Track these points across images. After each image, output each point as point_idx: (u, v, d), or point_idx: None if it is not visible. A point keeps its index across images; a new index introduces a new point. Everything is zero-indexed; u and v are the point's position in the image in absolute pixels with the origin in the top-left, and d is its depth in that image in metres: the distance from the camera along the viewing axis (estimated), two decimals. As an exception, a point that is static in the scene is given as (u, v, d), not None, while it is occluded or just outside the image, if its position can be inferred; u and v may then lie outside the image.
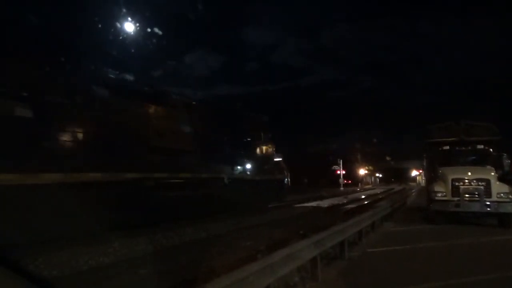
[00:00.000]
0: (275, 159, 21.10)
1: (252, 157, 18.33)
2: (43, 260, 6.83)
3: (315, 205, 22.64)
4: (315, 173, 57.31)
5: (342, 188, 53.17)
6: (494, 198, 10.97)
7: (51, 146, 8.77)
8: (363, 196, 32.52)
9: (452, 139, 13.66)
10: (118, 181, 9.99)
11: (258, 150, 19.33)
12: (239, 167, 17.27)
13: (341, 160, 59.35)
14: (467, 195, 11.25)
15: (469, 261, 7.06)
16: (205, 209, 13.06)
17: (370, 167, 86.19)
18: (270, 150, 20.48)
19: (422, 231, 10.81)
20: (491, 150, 13.07)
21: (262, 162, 19.20)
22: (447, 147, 13.67)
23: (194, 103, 15.05)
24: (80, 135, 9.65)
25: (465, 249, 8.19)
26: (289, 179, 23.01)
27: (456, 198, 11.31)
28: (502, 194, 11.00)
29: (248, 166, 18.02)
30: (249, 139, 18.64)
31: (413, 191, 37.74)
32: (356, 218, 8.99)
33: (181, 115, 13.64)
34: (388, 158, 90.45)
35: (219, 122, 15.82)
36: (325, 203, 23.75)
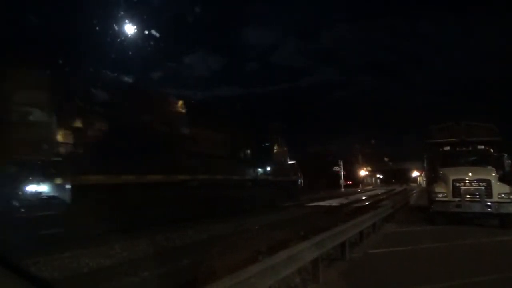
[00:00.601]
0: (290, 162, 23.10)
1: (270, 161, 20.28)
2: (44, 261, 6.82)
3: (327, 204, 23.95)
4: (315, 174, 57.24)
5: (342, 189, 53.08)
6: (495, 198, 10.97)
7: (129, 153, 10.62)
8: (365, 197, 33.41)
9: (453, 139, 13.67)
10: (173, 182, 12.21)
11: (276, 154, 21.23)
12: (260, 170, 19.17)
13: (341, 161, 59.31)
14: (468, 196, 11.24)
15: (470, 262, 7.06)
16: (235, 207, 15.09)
17: (371, 168, 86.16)
18: (285, 154, 22.49)
19: (423, 232, 10.80)
20: (491, 150, 13.07)
21: (279, 165, 21.09)
22: (448, 148, 13.67)
23: (223, 113, 17.63)
24: (145, 146, 11.45)
25: (466, 250, 8.18)
26: (302, 180, 25.63)
27: (457, 199, 11.31)
28: (503, 195, 10.99)
29: (268, 168, 19.96)
30: (267, 144, 20.58)
31: (413, 192, 37.70)
32: (357, 219, 8.98)
33: (214, 125, 15.68)
34: (386, 159, 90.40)
35: (243, 130, 18.16)
36: (335, 202, 25.16)
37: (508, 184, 11.47)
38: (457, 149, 13.58)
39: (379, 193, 41.78)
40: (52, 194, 8.62)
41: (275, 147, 21.38)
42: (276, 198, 19.68)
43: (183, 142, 13.54)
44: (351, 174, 69.25)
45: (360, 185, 69.85)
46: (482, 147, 13.17)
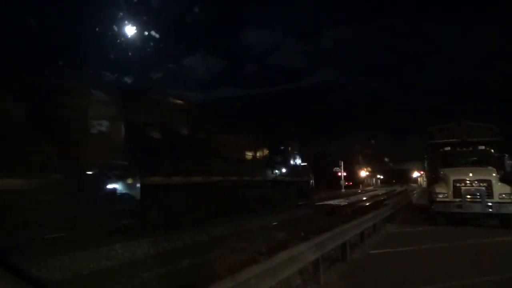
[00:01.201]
0: (302, 164, 25.43)
1: (285, 163, 22.26)
2: (45, 264, 6.81)
3: (336, 203, 25.47)
4: (315, 175, 57.14)
5: (343, 190, 52.99)
6: (495, 199, 10.96)
7: (177, 158, 12.67)
8: (366, 197, 34.10)
9: (453, 140, 13.66)
10: (210, 182, 14.03)
11: (290, 157, 23.27)
12: (277, 171, 21.02)
13: (342, 162, 59.25)
14: (468, 196, 11.23)
15: (471, 262, 7.05)
16: (258, 205, 16.86)
17: (371, 169, 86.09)
18: (298, 156, 24.64)
19: (424, 233, 10.79)
20: (492, 151, 13.06)
21: (293, 167, 23.25)
22: (448, 148, 13.66)
23: (247, 122, 19.92)
24: (189, 152, 13.54)
25: (468, 251, 8.16)
26: (313, 181, 27.86)
27: (457, 199, 11.30)
28: (503, 195, 10.98)
29: (284, 170, 21.84)
30: (282, 148, 22.57)
31: (414, 192, 37.68)
32: (357, 219, 8.97)
33: (240, 132, 18.08)
34: (388, 160, 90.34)
35: (263, 135, 20.20)
36: (343, 202, 26.73)
37: (509, 185, 11.45)
38: (458, 149, 13.57)
39: (380, 193, 41.78)
40: (124, 191, 10.45)
41: (290, 151, 23.47)
42: (292, 197, 21.89)
43: (217, 148, 15.72)
44: (351, 174, 69.16)
45: (361, 185, 69.75)
46: (483, 147, 13.16)
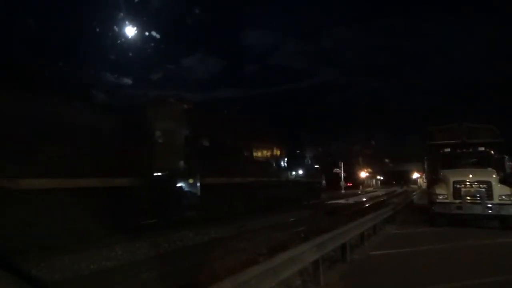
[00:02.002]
0: (315, 166, 28.36)
1: (302, 165, 24.93)
2: (45, 264, 6.81)
3: (344, 201, 28.06)
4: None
5: (343, 191, 52.95)
6: (495, 200, 10.95)
7: (222, 163, 15.00)
8: (366, 198, 34.77)
9: (454, 141, 13.65)
10: (245, 183, 16.47)
11: (305, 160, 26.08)
12: (294, 173, 23.54)
13: (342, 163, 59.22)
14: (468, 198, 11.23)
15: (471, 263, 7.05)
16: (280, 203, 19.08)
17: (371, 170, 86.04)
18: (312, 159, 27.58)
19: (424, 234, 10.79)
20: (492, 152, 13.05)
21: (307, 169, 25.87)
22: (448, 149, 13.65)
23: (270, 129, 22.64)
24: (230, 156, 16.18)
25: (468, 252, 8.16)
26: (324, 182, 31.36)
27: (457, 201, 11.29)
28: (503, 197, 10.98)
29: (300, 172, 24.50)
30: (298, 152, 25.13)
31: (414, 193, 37.70)
32: (357, 220, 8.97)
33: (265, 138, 20.43)
34: (388, 161, 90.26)
35: (283, 141, 22.41)
36: (350, 201, 29.17)
37: (509, 186, 11.45)
38: (458, 150, 13.56)
39: (380, 194, 41.81)
40: (188, 189, 13.07)
41: (306, 155, 26.46)
42: (308, 196, 24.91)
43: (250, 153, 18.50)
44: (351, 175, 69.13)
45: (361, 186, 69.70)
46: (483, 148, 13.16)
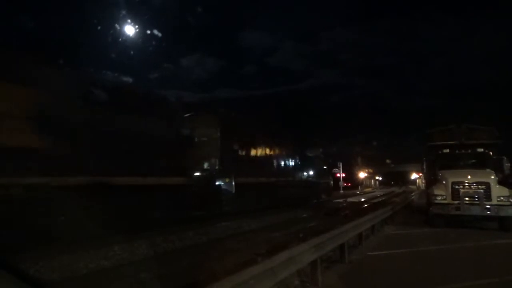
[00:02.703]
0: (324, 167, 31.05)
1: (313, 167, 27.51)
2: (44, 263, 6.81)
3: (350, 200, 30.72)
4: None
5: (342, 191, 52.92)
6: (494, 201, 10.97)
7: (252, 164, 18.05)
8: (371, 197, 36.90)
9: (453, 142, 13.68)
10: (269, 182, 18.91)
11: (316, 162, 28.53)
12: (305, 174, 26.12)
13: (340, 163, 59.20)
14: (467, 198, 11.24)
15: (470, 264, 7.06)
16: (296, 200, 21.10)
17: (370, 170, 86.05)
18: (321, 161, 30.19)
19: (422, 235, 10.80)
20: (491, 153, 13.08)
21: (318, 170, 28.59)
22: (447, 150, 13.68)
23: (289, 135, 25.74)
24: (259, 159, 19.50)
25: (466, 253, 8.18)
26: (332, 182, 35.38)
27: (456, 202, 11.31)
28: (502, 198, 10.99)
29: (311, 173, 27.11)
30: (310, 155, 27.54)
31: (413, 194, 37.77)
32: (355, 221, 8.96)
33: (285, 143, 23.17)
34: (388, 161, 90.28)
35: (298, 146, 25.03)
36: (355, 199, 31.96)
37: (507, 187, 11.48)
38: (457, 151, 13.59)
39: (379, 195, 41.85)
40: (225, 187, 15.36)
41: (317, 157, 28.89)
42: (319, 194, 27.55)
43: (272, 155, 21.12)
44: (350, 176, 69.10)
45: (359, 187, 69.68)
46: (482, 149, 13.19)
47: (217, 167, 15.32)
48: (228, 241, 9.93)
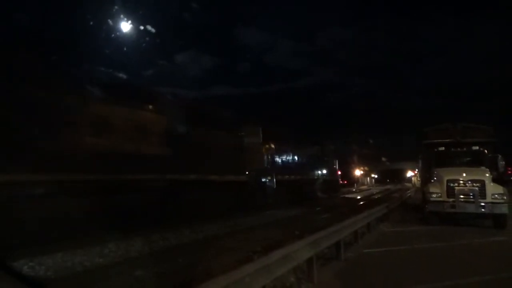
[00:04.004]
0: (333, 166, 34.45)
1: (325, 166, 31.17)
2: (38, 261, 6.78)
3: (356, 196, 35.22)
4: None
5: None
6: (488, 199, 11.03)
7: (285, 165, 22.22)
8: (370, 194, 39.51)
9: (448, 140, 13.73)
10: (297, 179, 23.31)
11: (328, 162, 32.23)
12: (318, 172, 29.69)
13: (336, 161, 59.27)
14: (462, 196, 11.30)
15: (465, 262, 7.11)
16: (314, 195, 26.14)
17: (366, 168, 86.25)
18: (331, 160, 33.64)
19: (417, 232, 10.85)
20: (486, 151, 13.14)
21: (329, 169, 32.47)
22: (443, 148, 13.73)
23: (306, 139, 30.01)
24: (292, 161, 24.03)
25: (461, 250, 8.23)
26: (340, 179, 40.14)
27: (451, 199, 11.36)
28: (496, 195, 11.05)
29: (324, 171, 30.73)
30: (324, 156, 31.23)
31: (408, 192, 37.99)
32: (351, 218, 8.99)
33: (308, 147, 28.12)
34: (384, 159, 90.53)
35: (314, 147, 29.25)
36: (358, 195, 36.24)
37: (502, 185, 11.55)
38: (452, 149, 13.65)
39: (374, 192, 42.06)
40: (268, 184, 19.04)
41: (329, 158, 32.62)
42: (330, 190, 30.88)
43: (300, 158, 25.02)
44: (346, 173, 69.21)
45: (355, 184, 69.88)
46: (477, 148, 13.25)
47: (262, 168, 18.93)
48: (276, 224, 13.36)
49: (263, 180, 18.90)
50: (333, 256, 7.22)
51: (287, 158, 22.94)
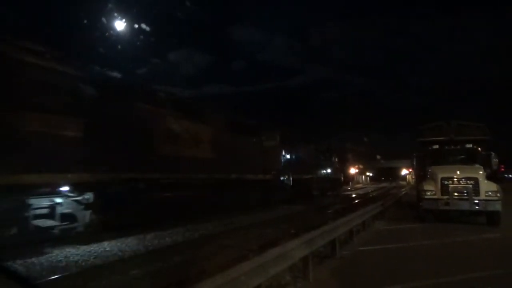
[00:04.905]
0: (336, 165, 36.39)
1: (330, 166, 33.16)
2: (32, 261, 6.74)
3: (360, 192, 40.16)
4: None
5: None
6: (482, 196, 11.10)
7: (300, 166, 24.10)
8: (366, 191, 41.46)
9: (442, 138, 13.81)
10: (308, 178, 25.39)
11: (332, 162, 34.31)
12: (323, 171, 31.42)
13: (337, 160, 59.29)
14: (456, 194, 11.37)
15: (459, 259, 7.15)
16: (321, 191, 28.51)
17: (361, 166, 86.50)
18: (335, 159, 35.89)
19: (412, 230, 10.92)
20: (479, 149, 13.24)
21: (334, 168, 34.42)
22: (437, 146, 13.82)
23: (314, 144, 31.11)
24: (307, 163, 26.33)
25: (455, 247, 8.29)
26: (343, 178, 42.95)
27: (445, 197, 11.43)
28: (490, 193, 11.13)
29: (329, 170, 32.77)
30: (329, 156, 33.48)
31: (403, 190, 38.25)
32: (346, 217, 9.02)
33: (316, 150, 30.07)
34: (378, 157, 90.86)
35: (319, 149, 30.92)
36: (360, 192, 40.63)
37: (495, 182, 11.64)
38: (446, 147, 13.74)
39: (369, 190, 42.24)
40: (286, 182, 21.29)
41: (333, 158, 34.91)
42: (334, 188, 33.77)
43: (310, 158, 27.42)
44: (341, 172, 69.20)
45: (350, 183, 70.03)
46: (471, 145, 13.34)
47: (280, 168, 21.37)
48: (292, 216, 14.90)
49: (282, 178, 21.60)
50: (329, 254, 7.23)
51: (300, 158, 25.55)
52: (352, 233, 8.94)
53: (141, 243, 9.02)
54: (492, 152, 12.97)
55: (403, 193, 27.87)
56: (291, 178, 21.80)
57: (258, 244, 7.85)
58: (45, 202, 8.32)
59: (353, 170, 77.97)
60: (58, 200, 8.56)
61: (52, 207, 8.44)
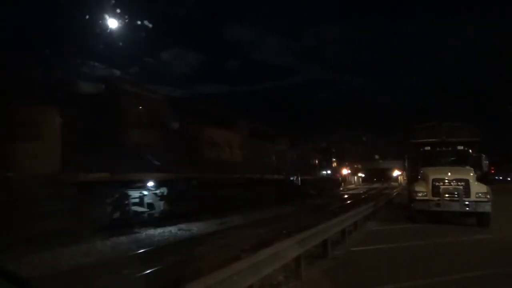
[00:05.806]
0: (334, 166, 39.02)
1: (330, 167, 35.90)
2: (24, 260, 6.68)
3: (358, 191, 42.77)
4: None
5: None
6: (472, 198, 11.21)
7: (305, 167, 27.81)
8: (361, 191, 42.42)
9: (434, 139, 13.92)
10: (310, 178, 28.14)
11: (332, 163, 37.26)
12: (324, 172, 34.09)
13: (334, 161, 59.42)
14: (447, 195, 11.47)
15: (449, 259, 7.21)
16: (322, 190, 30.59)
17: (353, 167, 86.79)
18: (335, 160, 39.28)
19: (404, 230, 10.98)
20: (470, 151, 13.37)
21: (333, 169, 37.49)
22: (429, 148, 13.92)
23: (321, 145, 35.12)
24: (311, 165, 31.05)
25: (446, 248, 8.36)
26: (341, 178, 47.14)
27: (436, 198, 11.52)
28: (480, 194, 11.24)
29: (329, 171, 35.49)
30: (329, 158, 35.99)
31: (395, 190, 38.52)
32: (339, 217, 9.05)
33: (318, 151, 32.75)
34: (377, 157, 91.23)
35: (319, 150, 33.18)
36: (359, 191, 44.32)
37: (486, 184, 11.76)
38: (438, 149, 13.85)
39: (362, 191, 42.45)
40: (296, 181, 24.39)
41: (333, 159, 37.68)
42: (333, 187, 37.04)
43: (314, 160, 31.16)
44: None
45: (342, 184, 70.22)
46: (462, 147, 13.47)
47: (289, 169, 23.60)
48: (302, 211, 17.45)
49: (291, 178, 24.06)
50: (321, 254, 7.26)
51: (307, 160, 28.48)
52: (344, 233, 8.98)
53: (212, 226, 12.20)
54: (483, 154, 13.10)
55: (395, 194, 28.10)
56: (299, 178, 24.60)
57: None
58: (137, 193, 11.22)
59: (345, 171, 78.33)
60: (145, 192, 11.50)
61: (141, 197, 11.35)
